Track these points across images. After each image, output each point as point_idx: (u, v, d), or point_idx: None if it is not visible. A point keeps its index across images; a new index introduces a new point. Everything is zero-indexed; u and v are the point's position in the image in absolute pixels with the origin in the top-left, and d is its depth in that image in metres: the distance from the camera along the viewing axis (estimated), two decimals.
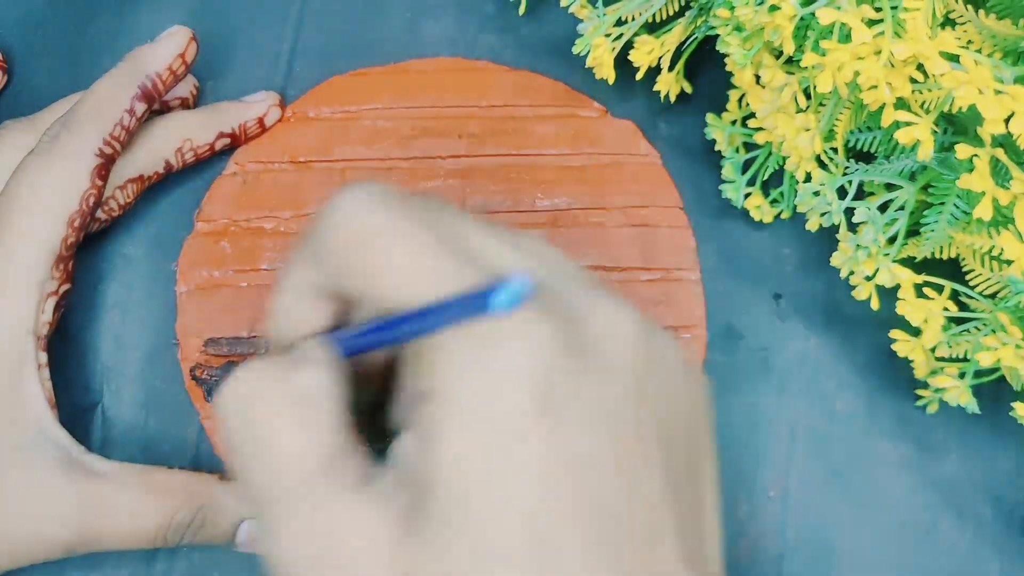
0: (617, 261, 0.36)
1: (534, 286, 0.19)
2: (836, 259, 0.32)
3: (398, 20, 0.40)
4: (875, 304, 0.32)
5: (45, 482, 0.30)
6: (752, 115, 0.34)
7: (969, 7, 0.28)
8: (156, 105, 0.36)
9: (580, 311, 0.21)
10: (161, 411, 0.35)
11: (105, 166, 0.33)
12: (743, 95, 0.35)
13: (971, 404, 0.31)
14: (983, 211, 0.28)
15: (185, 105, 0.38)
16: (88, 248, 0.36)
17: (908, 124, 0.28)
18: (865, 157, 0.33)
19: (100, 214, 0.34)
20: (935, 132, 0.28)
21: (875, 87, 0.27)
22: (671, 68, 0.36)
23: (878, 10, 0.29)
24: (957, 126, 0.31)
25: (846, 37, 0.28)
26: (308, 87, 0.39)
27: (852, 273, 0.32)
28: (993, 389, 0.32)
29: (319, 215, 0.22)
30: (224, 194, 0.37)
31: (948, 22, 0.29)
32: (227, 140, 0.37)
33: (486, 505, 0.19)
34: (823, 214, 0.31)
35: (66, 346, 0.35)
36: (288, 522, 0.21)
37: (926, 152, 0.27)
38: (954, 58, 0.27)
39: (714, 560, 0.23)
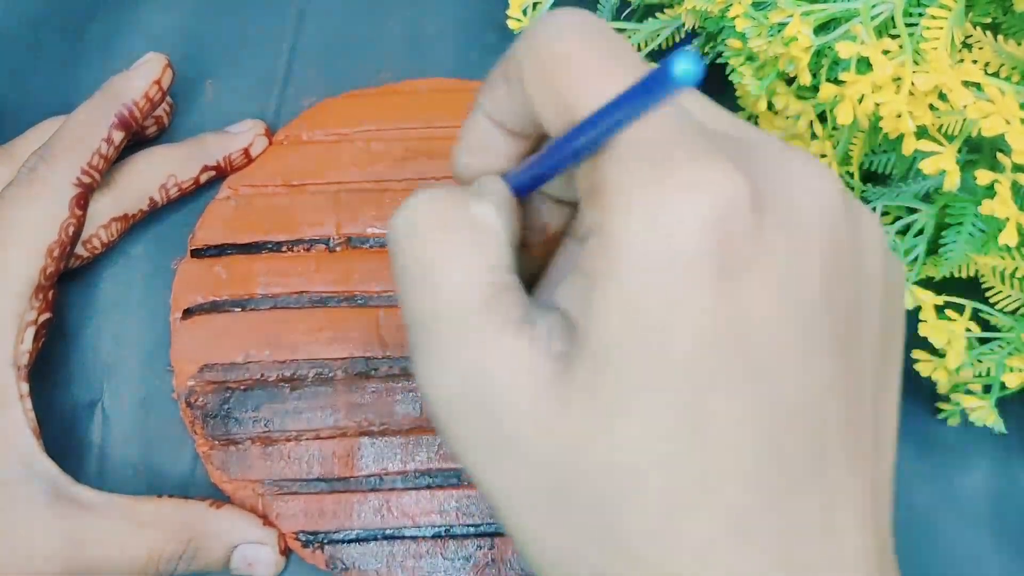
0: None
1: (700, 60, 0.17)
2: None
3: (398, 40, 0.40)
4: None
5: (33, 517, 0.29)
6: None
7: (987, 33, 0.28)
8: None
9: (775, 167, 0.20)
10: (161, 409, 0.35)
11: (84, 195, 0.33)
12: (750, 116, 0.35)
13: (998, 424, 0.31)
14: (1008, 237, 0.28)
15: (160, 125, 0.38)
16: None
17: (930, 153, 0.28)
18: (879, 178, 0.33)
19: (83, 251, 0.34)
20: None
21: (899, 116, 0.27)
22: None
23: (895, 37, 0.29)
24: (971, 144, 0.31)
25: (864, 66, 0.28)
26: (308, 85, 0.39)
27: None
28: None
29: (524, 31, 0.21)
30: (218, 218, 0.37)
31: (965, 45, 0.29)
32: (212, 173, 0.37)
33: (643, 357, 0.18)
34: None
35: (66, 344, 0.35)
36: (442, 352, 0.20)
37: (952, 182, 0.27)
38: (975, 83, 0.27)
39: (884, 476, 0.22)
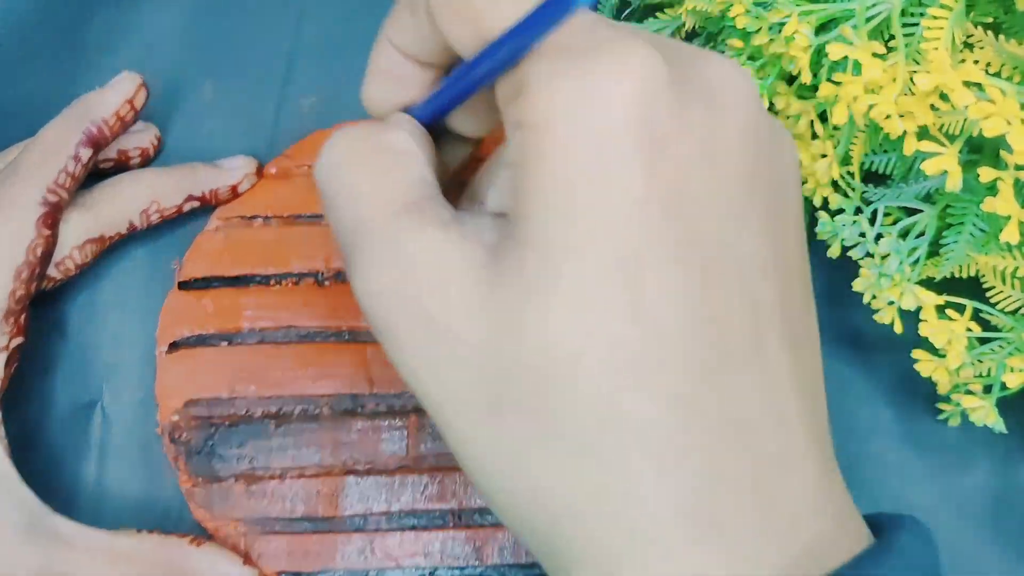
0: None
1: None
2: (859, 285, 0.32)
3: None
4: (898, 328, 0.32)
5: (8, 548, 0.29)
6: None
7: (988, 32, 0.28)
8: (113, 157, 0.35)
9: (690, 58, 0.20)
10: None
11: (51, 215, 0.32)
12: None
13: (998, 424, 0.31)
14: (1010, 235, 0.28)
15: (145, 157, 0.37)
16: None
17: (932, 153, 0.28)
18: (879, 178, 0.33)
19: (55, 273, 0.33)
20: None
21: (888, 117, 0.27)
22: None
23: (891, 38, 0.29)
24: (971, 144, 0.31)
25: (859, 68, 0.28)
26: (308, 85, 0.39)
27: (874, 297, 0.32)
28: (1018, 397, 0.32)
29: None
30: (206, 250, 0.36)
31: (966, 45, 0.29)
32: (196, 203, 0.36)
33: (574, 233, 0.19)
34: (854, 245, 0.31)
35: (66, 344, 0.35)
36: (374, 253, 0.21)
37: (955, 183, 0.27)
38: (977, 83, 0.27)
39: (816, 367, 0.22)
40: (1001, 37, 0.28)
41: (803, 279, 0.22)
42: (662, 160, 0.19)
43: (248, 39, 0.40)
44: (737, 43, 0.30)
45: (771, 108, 0.32)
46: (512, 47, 0.19)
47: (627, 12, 0.36)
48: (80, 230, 0.33)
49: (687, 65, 0.20)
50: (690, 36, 0.35)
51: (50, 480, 0.33)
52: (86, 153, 0.33)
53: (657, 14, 0.35)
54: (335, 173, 0.22)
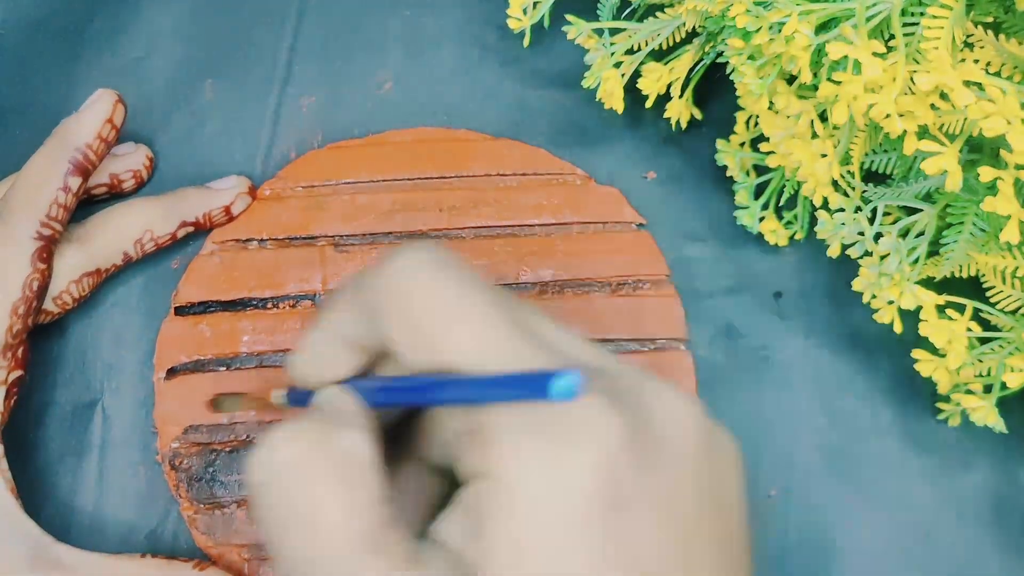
0: (604, 333, 0.35)
1: (585, 382, 0.19)
2: (858, 284, 0.32)
3: (398, 40, 0.40)
4: (898, 328, 0.32)
5: None
6: (762, 136, 0.34)
7: (989, 32, 0.28)
8: (106, 182, 0.35)
9: (645, 399, 0.21)
10: None
11: (46, 248, 0.32)
12: (750, 116, 0.35)
13: (998, 424, 0.31)
14: (1010, 234, 0.28)
15: (138, 179, 0.37)
16: None
17: (932, 153, 0.27)
18: (880, 177, 0.33)
19: (53, 307, 0.33)
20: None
21: (888, 116, 0.27)
22: (680, 95, 0.35)
23: (891, 38, 0.29)
24: (971, 144, 0.31)
25: (859, 67, 0.28)
26: (308, 85, 0.39)
27: (874, 297, 0.32)
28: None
29: (376, 266, 0.22)
30: (202, 275, 0.36)
31: (966, 45, 0.29)
32: (191, 228, 0.36)
33: None
34: (852, 243, 0.31)
35: (66, 344, 0.35)
36: None
37: (955, 183, 0.27)
38: (977, 83, 0.26)
39: None
40: (1001, 36, 0.28)
41: None
42: (623, 522, 0.20)
43: (248, 39, 0.40)
44: (737, 43, 0.30)
45: (771, 108, 0.32)
46: (476, 395, 0.20)
47: (627, 11, 0.36)
48: (75, 264, 0.33)
49: (640, 410, 0.21)
50: (690, 36, 0.35)
51: (48, 500, 0.34)
52: (75, 182, 0.33)
53: (657, 14, 0.35)
54: (286, 489, 0.21)
